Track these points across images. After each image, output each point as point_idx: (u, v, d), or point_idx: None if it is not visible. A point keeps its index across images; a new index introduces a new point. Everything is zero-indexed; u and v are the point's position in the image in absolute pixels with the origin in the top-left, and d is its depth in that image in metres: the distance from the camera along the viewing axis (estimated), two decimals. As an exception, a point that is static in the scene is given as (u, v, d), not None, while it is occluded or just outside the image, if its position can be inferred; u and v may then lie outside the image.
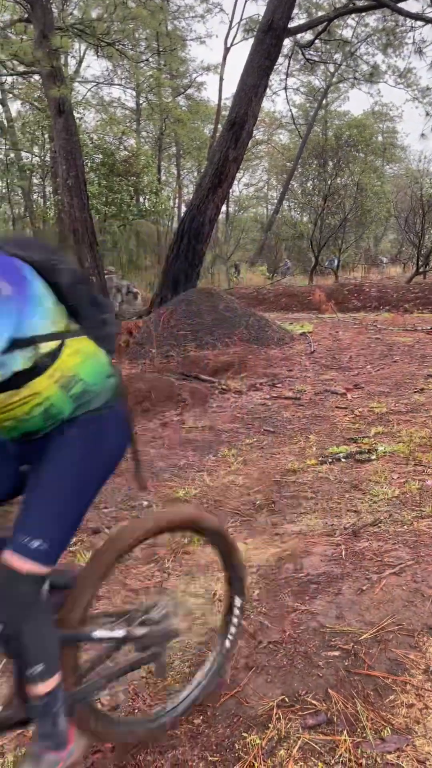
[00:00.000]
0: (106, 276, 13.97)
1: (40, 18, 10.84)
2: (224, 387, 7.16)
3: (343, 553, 2.89)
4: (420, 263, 20.99)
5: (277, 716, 1.91)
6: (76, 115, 18.28)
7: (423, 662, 2.10)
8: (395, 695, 1.96)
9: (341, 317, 14.57)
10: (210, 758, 1.80)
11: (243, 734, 1.87)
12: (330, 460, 4.37)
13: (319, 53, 21.21)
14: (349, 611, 2.40)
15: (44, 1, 10.90)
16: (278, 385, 7.20)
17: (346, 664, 2.11)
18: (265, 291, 19.38)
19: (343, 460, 4.37)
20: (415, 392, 6.44)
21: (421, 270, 21.01)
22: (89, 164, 22.71)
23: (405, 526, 3.17)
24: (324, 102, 35.50)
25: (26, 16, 11.72)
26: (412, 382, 7.00)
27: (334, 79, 31.72)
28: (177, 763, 1.79)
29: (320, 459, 4.42)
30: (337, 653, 2.17)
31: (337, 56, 22.19)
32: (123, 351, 9.97)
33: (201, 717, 1.96)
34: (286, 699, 1.98)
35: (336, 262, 24.97)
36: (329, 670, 2.09)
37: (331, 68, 29.03)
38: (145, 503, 3.74)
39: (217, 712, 1.98)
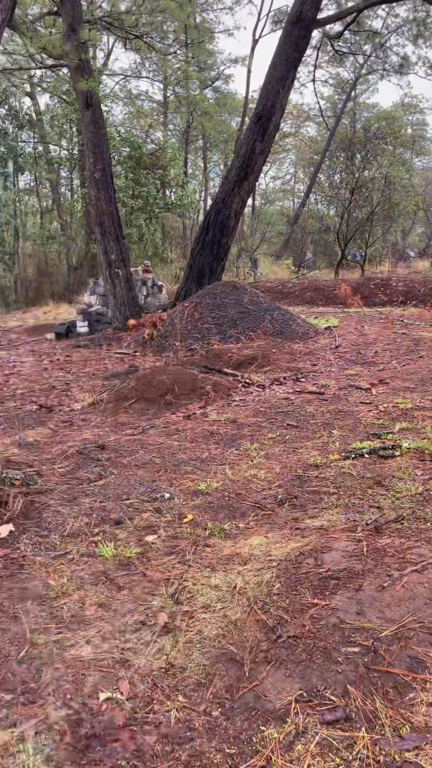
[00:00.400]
0: (132, 269, 14.02)
1: (69, 11, 10.87)
2: (247, 381, 7.14)
3: (365, 549, 2.86)
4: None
5: (295, 711, 1.90)
6: (103, 108, 18.34)
7: (444, 661, 2.07)
8: (415, 693, 1.94)
9: (367, 312, 14.42)
10: (227, 750, 1.81)
11: (261, 728, 1.87)
12: (353, 456, 4.33)
13: (348, 44, 20.95)
14: (369, 608, 2.38)
15: (73, -7, 10.94)
16: (302, 380, 7.16)
17: (365, 660, 2.10)
18: (290, 284, 19.26)
19: (366, 455, 4.34)
20: (442, 388, 6.35)
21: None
22: (116, 157, 22.77)
23: (428, 524, 3.13)
24: (352, 94, 35.07)
25: (55, 9, 11.77)
26: (438, 378, 6.90)
27: (363, 71, 31.29)
28: (194, 754, 1.80)
29: (343, 454, 4.38)
30: (356, 649, 2.15)
31: (367, 47, 21.88)
32: (147, 344, 10.01)
33: (219, 709, 1.96)
34: (305, 694, 1.97)
35: (359, 255, 24.72)
36: (348, 666, 2.08)
37: (360, 60, 28.66)
38: (166, 495, 3.76)
39: (235, 704, 1.98)
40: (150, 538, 3.19)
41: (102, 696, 2.03)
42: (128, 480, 4.09)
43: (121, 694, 2.05)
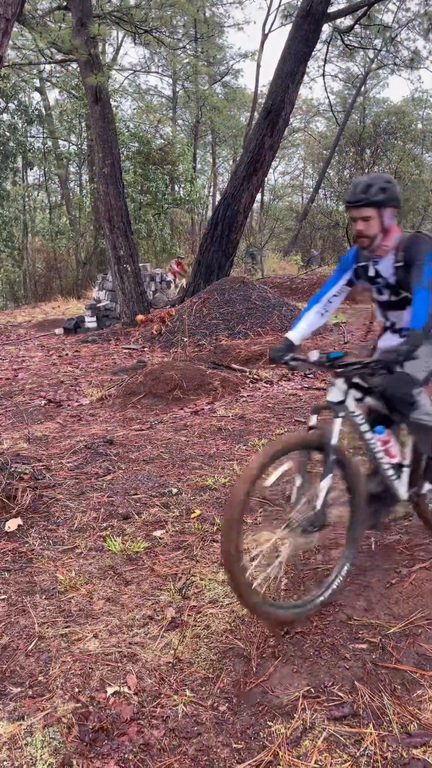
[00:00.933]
0: (140, 265, 14.02)
1: (79, 5, 10.86)
2: (256, 377, 7.14)
3: (373, 545, 2.85)
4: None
5: (302, 706, 1.90)
6: (112, 103, 18.32)
7: (452, 658, 2.07)
8: (423, 690, 1.94)
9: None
10: (234, 745, 1.81)
11: (268, 723, 1.87)
12: (362, 452, 4.31)
13: (359, 39, 20.80)
14: (377, 604, 2.38)
15: (82, -12, 10.91)
16: (310, 376, 7.14)
17: (373, 657, 2.09)
18: (299, 280, 19.21)
19: (374, 452, 4.32)
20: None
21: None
22: (125, 152, 22.75)
23: (437, 521, 3.11)
24: (362, 89, 34.84)
25: (65, 3, 11.74)
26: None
27: (374, 65, 31.08)
28: (201, 748, 1.80)
29: (351, 450, 4.36)
30: (364, 646, 2.15)
31: (377, 42, 21.72)
32: (156, 339, 10.01)
33: (226, 704, 1.96)
34: (312, 690, 1.97)
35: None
36: (356, 662, 2.08)
37: (371, 54, 28.46)
38: (174, 491, 3.76)
39: (242, 700, 1.98)
40: (158, 533, 3.19)
41: (109, 690, 2.04)
42: (136, 475, 4.09)
43: (129, 688, 2.05)
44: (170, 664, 2.16)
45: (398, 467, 2.65)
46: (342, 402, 2.39)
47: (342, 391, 2.39)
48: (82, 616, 2.49)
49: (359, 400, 2.48)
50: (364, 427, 2.52)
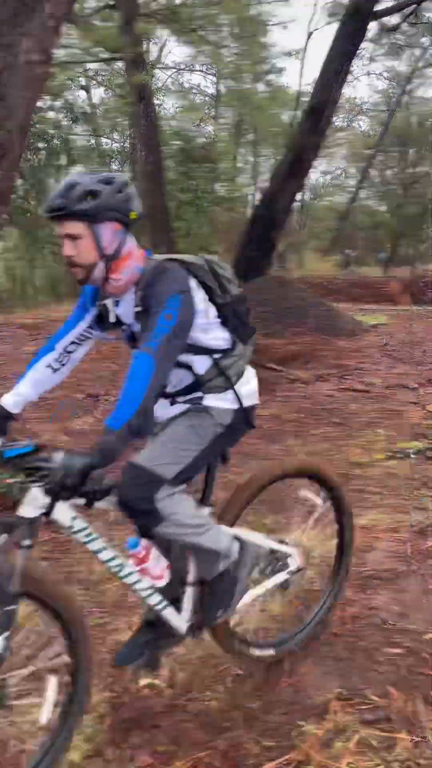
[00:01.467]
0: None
1: (126, 5, 10.96)
2: (292, 377, 7.11)
3: (409, 550, 2.82)
4: None
5: (334, 708, 1.90)
6: (155, 101, 18.46)
7: None
8: (458, 698, 1.91)
9: (417, 310, 14.14)
10: (265, 743, 1.81)
11: (299, 723, 1.87)
12: (399, 456, 4.27)
13: (406, 36, 20.48)
14: (413, 609, 2.35)
15: (130, -13, 11.02)
16: (347, 377, 7.08)
17: (407, 662, 2.08)
18: (338, 281, 19.05)
19: (412, 456, 4.27)
20: None
21: None
22: (167, 151, 22.86)
23: None
24: (408, 87, 34.29)
25: (112, 2, 11.87)
26: None
27: (420, 64, 30.54)
28: (232, 744, 1.82)
29: (388, 454, 4.33)
30: (398, 651, 2.13)
31: (425, 40, 21.36)
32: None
33: (258, 702, 1.97)
34: (345, 692, 1.96)
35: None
36: (390, 667, 2.06)
37: (417, 52, 27.97)
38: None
39: (274, 698, 1.98)
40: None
41: (143, 681, 2.07)
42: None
43: (161, 680, 2.07)
44: (202, 660, 2.18)
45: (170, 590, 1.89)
46: (36, 519, 1.60)
47: (39, 504, 1.59)
48: (117, 607, 2.52)
49: (89, 505, 1.64)
50: (95, 545, 1.73)
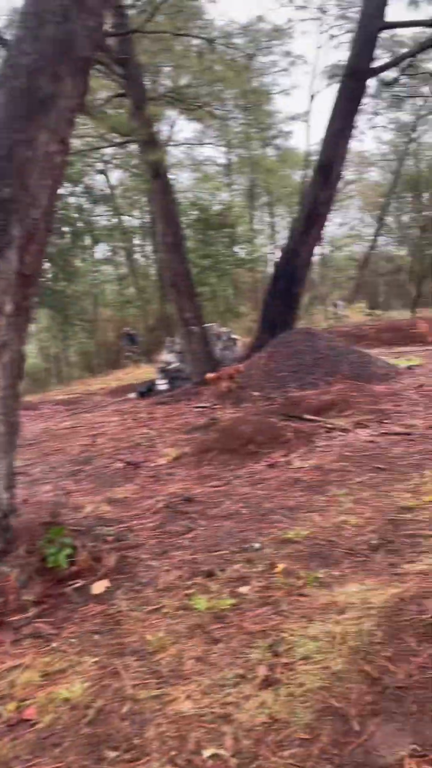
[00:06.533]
0: (206, 325, 14.34)
1: (135, 91, 11.64)
2: (329, 426, 7.04)
3: (470, 593, 2.71)
4: None
5: (409, 766, 1.79)
6: (171, 176, 19.26)
7: None
8: None
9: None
10: (340, 810, 1.72)
11: (374, 785, 1.77)
12: (448, 496, 4.15)
13: (406, 88, 21.16)
14: None
15: (138, 75, 11.71)
16: (386, 421, 6.98)
17: None
18: (366, 327, 19.06)
19: (462, 495, 4.14)
20: None
21: None
22: (185, 221, 23.66)
23: None
24: (414, 135, 35.11)
25: (121, 91, 12.62)
26: None
27: (423, 112, 31.36)
28: None
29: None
30: (471, 700, 2.02)
31: (425, 89, 22.01)
32: (226, 396, 10.10)
33: (328, 765, 1.88)
34: (418, 748, 1.86)
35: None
36: (464, 718, 1.95)
37: (419, 101, 28.78)
38: (256, 545, 3.72)
39: (344, 760, 1.89)
40: (243, 589, 3.15)
41: (206, 752, 2.00)
42: (216, 531, 4.08)
43: (225, 750, 2.00)
44: (266, 725, 2.09)
45: None
46: None
47: None
48: (173, 676, 2.46)
49: None
50: None
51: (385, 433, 6.39)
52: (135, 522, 4.44)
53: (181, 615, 2.96)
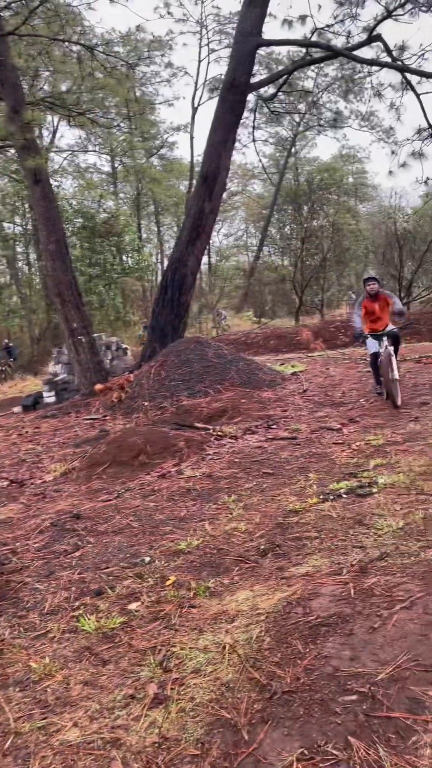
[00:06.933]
0: (95, 335, 14.08)
1: (11, 94, 11.23)
2: (220, 433, 7.12)
3: (352, 591, 2.81)
4: (402, 295, 21.28)
5: (297, 771, 1.82)
6: (53, 182, 18.74)
7: (444, 698, 2.02)
8: (418, 736, 1.88)
9: (330, 354, 14.66)
10: None
11: (263, 794, 1.77)
12: (332, 497, 4.31)
13: (284, 104, 22.02)
14: (362, 651, 2.32)
15: (14, 78, 11.32)
16: (274, 427, 7.17)
17: (364, 707, 2.03)
18: (253, 335, 19.54)
19: (344, 496, 4.32)
20: (410, 421, 6.42)
21: (404, 302, 21.30)
22: (70, 229, 23.15)
23: (412, 558, 3.10)
24: (293, 150, 36.64)
25: (-3, 94, 12.15)
26: (406, 411, 6.99)
27: (301, 128, 32.83)
28: None
29: (322, 497, 4.36)
30: (354, 697, 2.08)
31: (301, 106, 23.04)
32: (116, 407, 9.95)
33: (218, 780, 1.86)
34: (306, 751, 1.89)
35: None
36: (348, 715, 2.01)
37: (297, 117, 30.10)
38: (147, 559, 3.66)
39: (234, 772, 1.88)
40: (133, 606, 3.08)
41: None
42: (106, 547, 3.98)
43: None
44: (156, 744, 2.05)
45: None
46: None
47: None
48: (59, 704, 2.36)
49: None
50: None
51: (273, 439, 6.56)
52: (19, 543, 4.24)
53: (68, 638, 2.85)
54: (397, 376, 7.23)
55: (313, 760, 1.85)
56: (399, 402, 7.21)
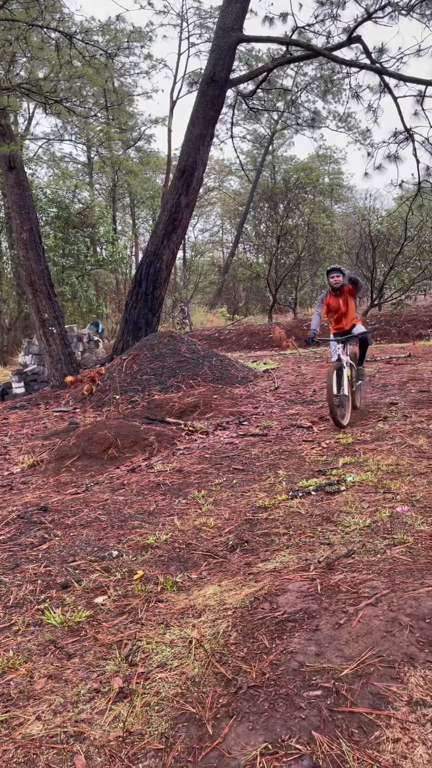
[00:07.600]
0: (67, 326, 13.93)
1: (-13, 79, 11.03)
2: (191, 428, 7.12)
3: (319, 587, 2.84)
4: (374, 296, 21.51)
5: (261, 765, 1.83)
6: (28, 170, 18.45)
7: (405, 694, 2.05)
8: (380, 731, 1.90)
9: (302, 352, 14.75)
10: None
11: (227, 788, 1.78)
12: (300, 494, 4.34)
13: (262, 102, 22.03)
14: (328, 647, 2.34)
15: (-10, 63, 11.12)
16: (245, 423, 7.19)
17: (328, 702, 2.05)
18: (226, 331, 19.55)
19: (313, 493, 4.35)
20: (379, 421, 6.50)
21: (375, 303, 21.53)
22: (44, 218, 22.85)
23: (378, 555, 3.14)
24: (270, 148, 36.71)
25: (-27, 78, 11.91)
26: (375, 411, 7.08)
27: (279, 126, 32.90)
28: None
29: (290, 494, 4.39)
30: (318, 692, 2.10)
31: (280, 104, 23.08)
32: (87, 399, 9.87)
33: (182, 774, 1.86)
34: (270, 746, 1.90)
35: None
36: (312, 710, 2.02)
37: (275, 116, 30.17)
38: (114, 553, 3.64)
39: (198, 766, 1.88)
40: (99, 600, 3.06)
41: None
42: (73, 541, 3.94)
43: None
44: (120, 739, 2.04)
45: None
46: None
47: None
48: (23, 698, 2.33)
49: None
50: None
51: (244, 435, 6.57)
52: (-15, 535, 4.17)
53: (32, 631, 2.81)
54: (346, 392, 6.44)
55: (276, 755, 1.86)
56: (345, 422, 6.37)
